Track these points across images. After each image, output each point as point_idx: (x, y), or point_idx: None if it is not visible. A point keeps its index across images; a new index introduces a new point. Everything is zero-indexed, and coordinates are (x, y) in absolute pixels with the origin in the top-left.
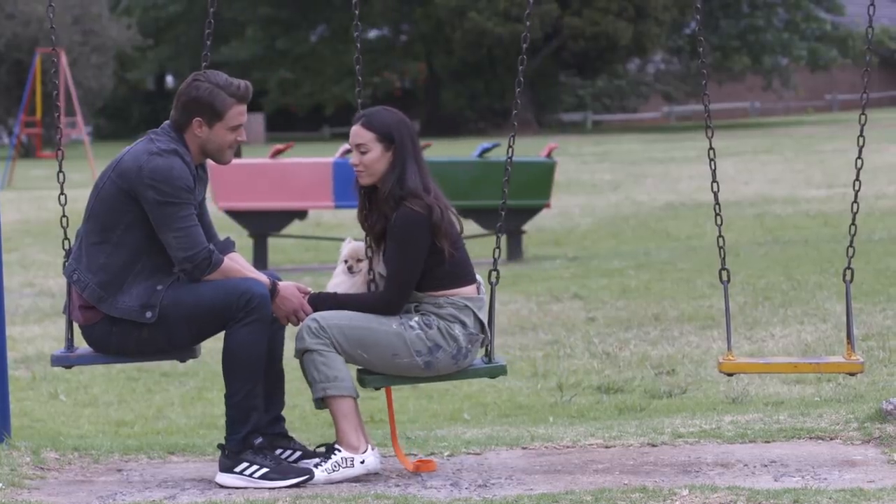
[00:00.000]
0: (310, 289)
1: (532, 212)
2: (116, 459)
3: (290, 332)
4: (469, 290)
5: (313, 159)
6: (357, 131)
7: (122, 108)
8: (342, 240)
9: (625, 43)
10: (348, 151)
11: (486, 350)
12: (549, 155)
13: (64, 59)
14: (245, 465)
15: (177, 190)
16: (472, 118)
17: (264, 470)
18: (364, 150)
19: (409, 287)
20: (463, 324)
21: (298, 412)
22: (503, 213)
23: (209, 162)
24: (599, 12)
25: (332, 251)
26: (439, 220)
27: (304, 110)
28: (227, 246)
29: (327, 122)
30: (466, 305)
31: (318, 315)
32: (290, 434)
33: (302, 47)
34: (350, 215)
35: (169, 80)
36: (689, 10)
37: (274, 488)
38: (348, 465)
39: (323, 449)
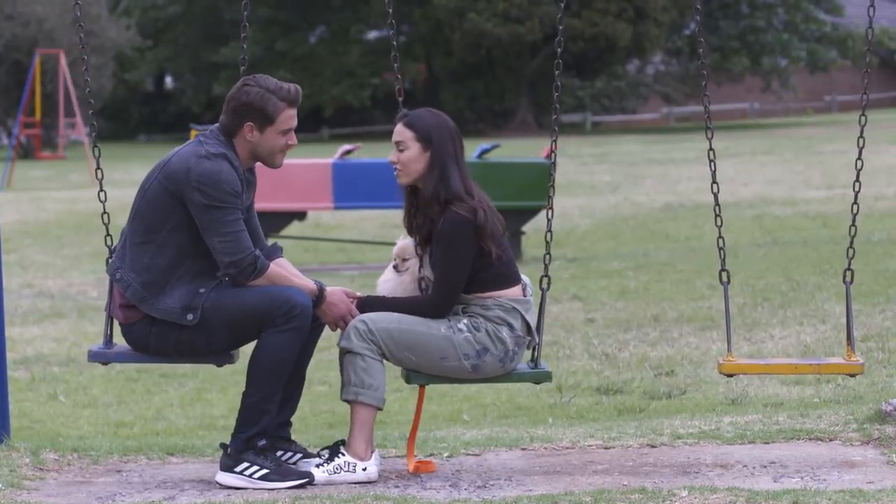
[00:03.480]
0: (358, 293)
1: (531, 213)
2: (116, 460)
3: (324, 340)
4: (515, 290)
5: (312, 160)
6: (398, 129)
7: (122, 109)
8: (341, 241)
9: (624, 44)
10: (348, 152)
11: (533, 354)
12: (548, 156)
13: (63, 60)
14: (245, 465)
15: (224, 194)
16: (472, 119)
17: (264, 471)
18: (402, 147)
19: (457, 291)
20: (510, 326)
21: (297, 413)
22: (550, 211)
23: None
24: (598, 13)
25: (332, 252)
26: (484, 223)
27: (303, 111)
28: (275, 251)
29: (326, 123)
30: (514, 307)
31: (366, 317)
32: (293, 438)
33: (301, 49)
34: (349, 216)
35: (168, 80)
36: (688, 11)
37: (273, 489)
38: (350, 469)
39: (326, 452)
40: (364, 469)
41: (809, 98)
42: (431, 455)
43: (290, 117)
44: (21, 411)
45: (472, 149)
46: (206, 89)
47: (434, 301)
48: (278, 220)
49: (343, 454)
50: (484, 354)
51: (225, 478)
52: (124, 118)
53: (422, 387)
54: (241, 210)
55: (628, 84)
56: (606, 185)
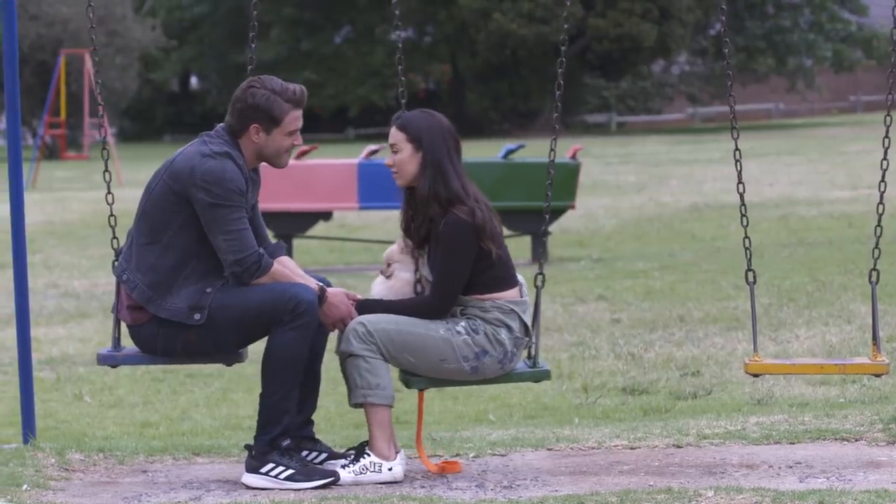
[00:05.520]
0: (359, 295)
1: (557, 213)
2: (141, 461)
3: (333, 336)
4: (513, 293)
5: (338, 161)
6: (392, 132)
7: (146, 110)
8: (367, 241)
9: (649, 44)
10: (373, 153)
11: (530, 353)
12: (573, 156)
13: (88, 61)
14: (271, 466)
15: (228, 192)
16: (497, 119)
17: (290, 471)
18: (396, 150)
19: (455, 293)
20: (509, 328)
21: (324, 413)
22: (548, 216)
23: None
24: (623, 14)
25: (357, 252)
26: (483, 222)
27: (328, 111)
28: (278, 250)
29: (352, 123)
30: (512, 309)
31: (365, 318)
32: (317, 437)
33: (326, 48)
34: (374, 217)
35: (193, 81)
36: (713, 12)
37: (299, 490)
38: (376, 469)
39: (353, 453)
40: (390, 469)
41: (834, 98)
42: (457, 455)
43: (295, 119)
44: (47, 412)
45: (497, 149)
46: (231, 90)
47: (432, 303)
48: (304, 221)
49: (369, 454)
50: (483, 356)
51: (251, 479)
52: (149, 118)
53: (420, 391)
54: (246, 209)
55: (653, 84)
56: (632, 185)
